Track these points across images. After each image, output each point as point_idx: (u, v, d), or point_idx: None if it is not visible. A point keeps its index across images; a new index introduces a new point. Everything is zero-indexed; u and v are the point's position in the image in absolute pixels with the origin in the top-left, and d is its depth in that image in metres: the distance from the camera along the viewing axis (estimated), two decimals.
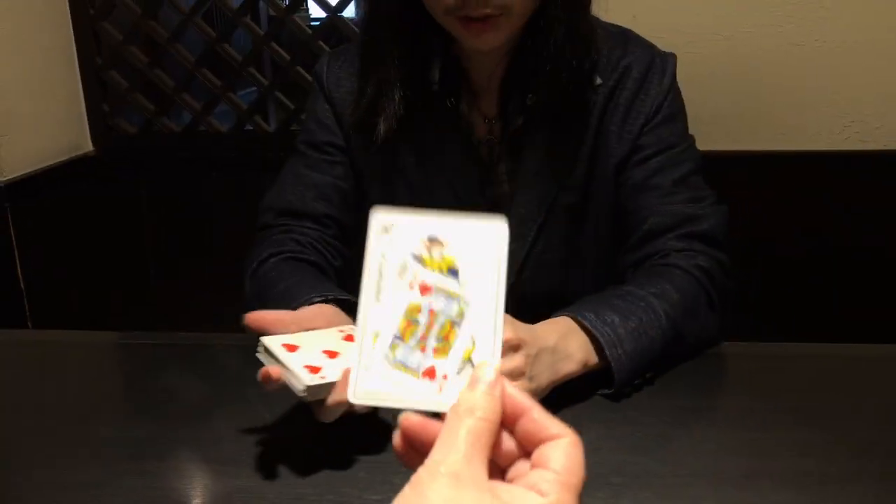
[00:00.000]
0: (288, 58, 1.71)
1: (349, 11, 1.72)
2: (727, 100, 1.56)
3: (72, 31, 1.74)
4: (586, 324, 0.80)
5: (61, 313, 1.70)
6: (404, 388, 0.41)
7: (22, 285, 1.56)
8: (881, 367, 0.92)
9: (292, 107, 1.74)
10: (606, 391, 0.80)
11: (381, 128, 0.97)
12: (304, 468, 0.70)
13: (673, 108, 1.01)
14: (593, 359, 0.79)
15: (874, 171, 1.55)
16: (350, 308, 0.82)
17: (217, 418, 0.79)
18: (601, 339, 0.78)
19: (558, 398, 0.85)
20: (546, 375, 0.74)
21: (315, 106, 1.08)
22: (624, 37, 1.02)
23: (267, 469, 0.70)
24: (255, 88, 1.76)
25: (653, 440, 0.73)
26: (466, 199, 1.02)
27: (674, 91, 1.01)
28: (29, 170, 1.61)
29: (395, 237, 0.44)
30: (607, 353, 0.78)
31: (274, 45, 1.72)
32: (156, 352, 0.98)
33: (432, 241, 0.44)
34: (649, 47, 1.02)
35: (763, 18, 1.51)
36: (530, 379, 0.72)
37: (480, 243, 0.42)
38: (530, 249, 1.03)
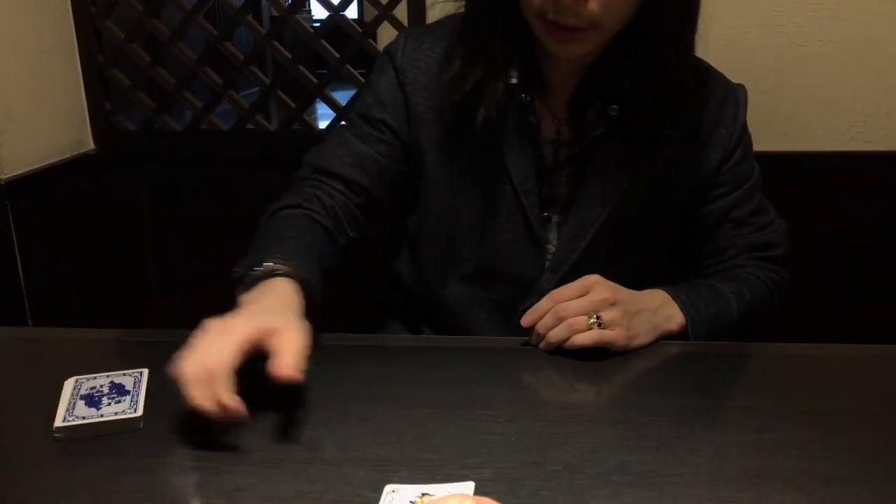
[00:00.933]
0: (290, 57, 1.71)
1: (351, 11, 1.72)
2: None
3: (73, 29, 1.73)
4: (676, 301, 0.97)
5: (61, 311, 1.69)
6: None
7: (22, 283, 1.56)
8: (886, 367, 0.92)
9: (294, 106, 1.74)
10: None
11: (481, 114, 0.99)
12: (304, 466, 0.70)
13: (748, 142, 1.07)
14: (683, 326, 0.96)
15: (879, 172, 1.55)
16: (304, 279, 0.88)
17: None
18: (688, 317, 0.96)
19: (562, 400, 0.85)
20: (645, 328, 0.92)
21: (379, 82, 1.08)
22: (702, 66, 1.05)
23: (266, 466, 0.69)
24: (256, 89, 1.76)
25: (654, 440, 0.73)
26: (525, 196, 1.03)
27: (746, 123, 1.07)
28: (30, 168, 1.60)
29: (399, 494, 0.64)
30: (690, 329, 0.96)
31: (276, 44, 1.72)
32: (156, 349, 0.97)
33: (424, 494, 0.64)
34: (723, 79, 1.07)
35: (765, 19, 1.51)
36: (628, 329, 0.90)
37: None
38: (584, 252, 1.04)
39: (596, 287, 0.90)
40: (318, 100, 1.75)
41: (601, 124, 0.99)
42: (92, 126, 1.80)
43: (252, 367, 0.91)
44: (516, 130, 1.02)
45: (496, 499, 0.63)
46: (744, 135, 1.06)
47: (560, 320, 0.88)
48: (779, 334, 1.04)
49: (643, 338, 0.92)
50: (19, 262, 1.55)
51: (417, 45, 1.06)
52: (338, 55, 1.68)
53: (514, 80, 0.99)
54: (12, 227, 1.53)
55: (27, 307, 1.57)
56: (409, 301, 1.19)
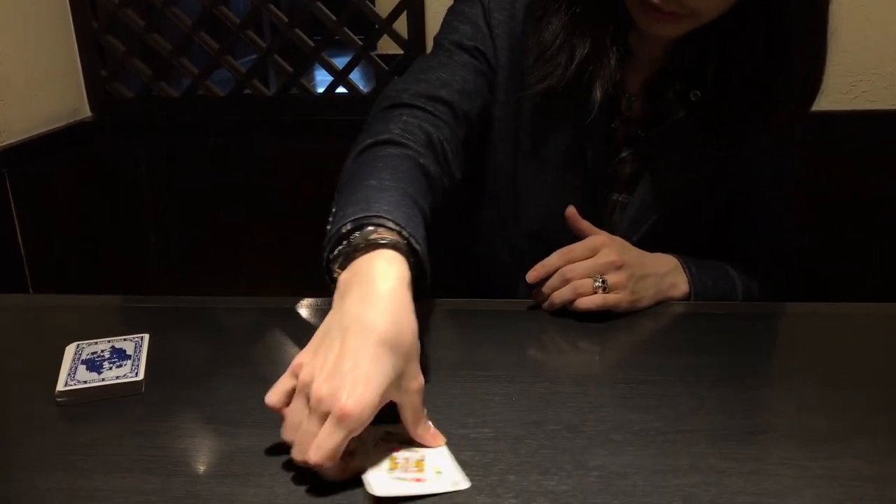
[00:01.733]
0: (286, 20, 1.68)
1: None
2: None
3: None
4: (686, 269, 0.97)
5: (61, 279, 1.70)
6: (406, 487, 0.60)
7: (22, 251, 1.56)
8: (885, 324, 0.92)
9: (291, 70, 1.72)
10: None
11: (597, 95, 0.93)
12: None
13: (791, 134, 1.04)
14: (686, 296, 0.96)
15: (883, 131, 1.53)
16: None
17: (218, 380, 0.79)
18: (693, 289, 0.96)
19: (563, 360, 0.85)
20: (651, 293, 0.92)
21: (471, 14, 1.00)
22: None
23: (267, 429, 0.69)
24: (254, 57, 1.74)
25: (655, 398, 0.73)
26: (594, 169, 1.00)
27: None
28: (26, 135, 1.59)
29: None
30: (692, 300, 0.96)
31: (273, 7, 1.69)
32: (156, 315, 0.97)
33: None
34: None
35: None
36: (632, 292, 0.89)
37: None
38: (644, 235, 1.02)
39: (604, 249, 0.89)
40: (315, 64, 1.73)
41: (681, 108, 0.97)
42: (88, 93, 1.78)
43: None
44: (589, 104, 0.95)
45: (496, 458, 0.64)
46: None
47: (566, 282, 0.88)
48: (786, 294, 1.04)
49: (646, 301, 0.92)
50: (18, 230, 1.55)
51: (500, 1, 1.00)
52: (335, 18, 1.66)
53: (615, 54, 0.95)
54: (10, 194, 1.53)
55: (27, 274, 1.58)
56: (450, 259, 1.11)
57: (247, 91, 1.75)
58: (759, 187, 1.05)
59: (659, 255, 0.96)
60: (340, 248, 0.67)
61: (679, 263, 0.97)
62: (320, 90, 1.76)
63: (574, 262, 0.88)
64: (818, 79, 0.94)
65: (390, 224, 0.68)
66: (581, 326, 0.88)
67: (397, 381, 0.60)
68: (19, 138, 1.57)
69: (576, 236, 0.94)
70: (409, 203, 0.73)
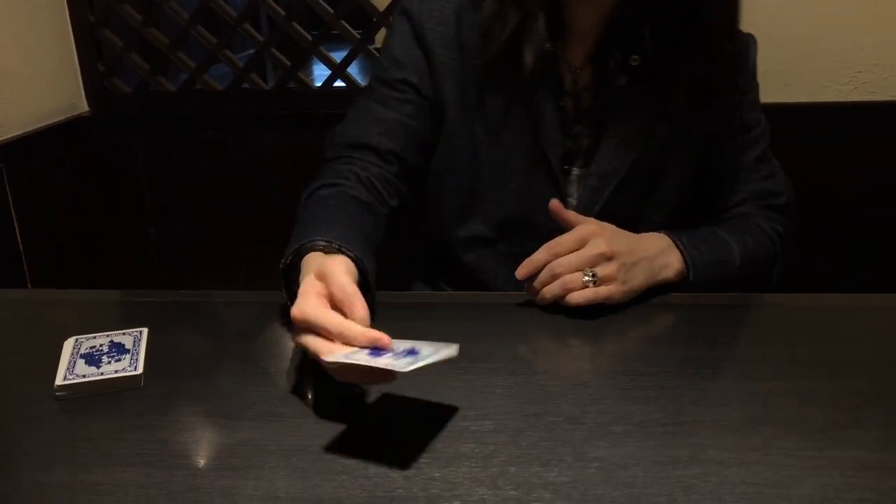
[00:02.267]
0: (284, 14, 1.68)
1: None
2: None
3: None
4: (679, 243, 0.95)
5: (60, 274, 1.69)
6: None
7: (20, 246, 1.56)
8: (885, 316, 0.92)
9: (289, 64, 1.71)
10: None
11: (528, 59, 0.97)
12: (306, 419, 0.70)
13: (756, 90, 1.07)
14: (684, 273, 0.94)
15: (882, 123, 1.53)
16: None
17: (219, 373, 0.79)
18: (688, 260, 0.94)
19: (563, 352, 0.85)
20: (642, 278, 0.90)
21: (395, 40, 1.06)
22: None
23: (268, 422, 0.69)
24: (252, 51, 1.74)
25: (655, 390, 0.73)
26: (548, 148, 1.02)
27: (755, 70, 1.07)
28: (23, 130, 1.59)
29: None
30: (690, 273, 0.94)
31: (270, 1, 1.69)
32: (155, 310, 0.97)
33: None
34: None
35: None
36: (623, 282, 0.88)
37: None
38: (606, 204, 1.03)
39: (593, 240, 0.88)
40: (313, 58, 1.73)
41: (623, 75, 0.98)
42: (85, 88, 1.78)
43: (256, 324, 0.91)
44: (540, 80, 1.00)
45: (496, 450, 0.64)
46: (753, 81, 1.07)
47: (555, 277, 0.87)
48: (781, 284, 1.04)
49: (640, 287, 0.91)
50: (16, 225, 1.55)
51: None
52: (332, 11, 1.66)
53: (542, 30, 0.97)
54: (8, 189, 1.52)
55: (25, 269, 1.57)
56: (429, 260, 1.18)
57: (245, 85, 1.75)
58: (725, 141, 1.05)
59: (649, 235, 0.95)
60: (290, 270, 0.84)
61: (670, 240, 0.95)
62: (318, 84, 1.76)
63: (561, 255, 0.87)
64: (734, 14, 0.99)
65: (319, 242, 0.82)
66: (580, 319, 0.88)
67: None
68: (17, 133, 1.57)
69: (555, 224, 0.97)
70: (337, 223, 0.87)
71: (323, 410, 0.71)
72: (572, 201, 1.05)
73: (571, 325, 0.87)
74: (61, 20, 1.71)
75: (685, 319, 0.89)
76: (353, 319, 0.68)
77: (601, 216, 1.01)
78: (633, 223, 1.03)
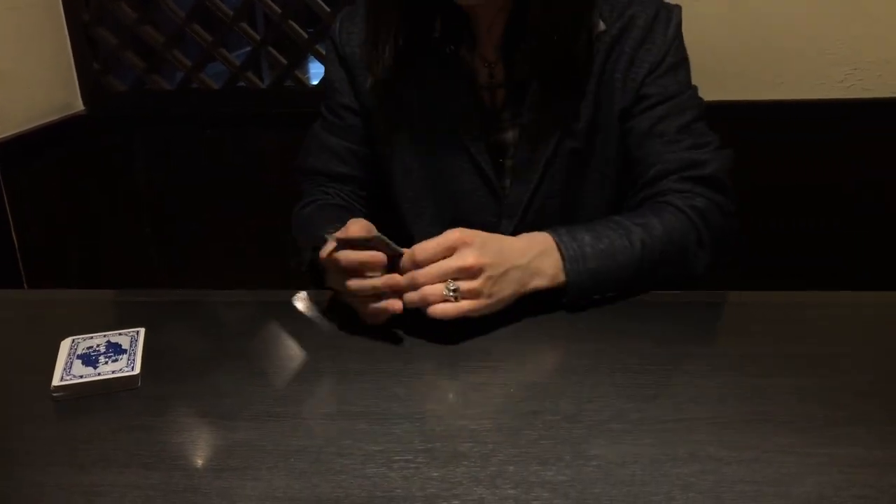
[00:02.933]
0: (280, 12, 1.67)
1: None
2: (725, 49, 1.53)
3: None
4: (557, 240, 0.88)
5: (56, 273, 1.69)
6: None
7: (16, 246, 1.55)
8: (882, 313, 0.92)
9: (285, 62, 1.71)
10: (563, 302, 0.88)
11: (369, 80, 1.04)
12: (304, 420, 0.70)
13: (677, 58, 1.03)
14: (562, 276, 0.87)
15: (876, 120, 1.53)
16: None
17: (216, 374, 0.79)
18: (565, 254, 0.87)
19: (559, 351, 0.85)
20: (511, 289, 0.84)
21: (330, 67, 1.13)
22: None
23: (266, 423, 0.69)
24: (248, 49, 1.73)
25: (653, 388, 0.73)
26: (471, 144, 1.04)
27: (678, 40, 1.03)
28: (19, 129, 1.58)
29: None
30: (567, 266, 0.86)
31: None
32: (152, 309, 0.97)
33: None
34: None
35: None
36: (489, 296, 0.82)
37: None
38: (533, 194, 1.05)
39: (461, 250, 0.81)
40: (309, 56, 1.72)
41: (527, 63, 0.99)
42: (81, 87, 1.77)
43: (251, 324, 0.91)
44: (452, 82, 1.03)
45: (495, 449, 0.64)
46: (673, 50, 1.01)
47: (416, 286, 0.81)
48: (773, 282, 1.03)
49: (509, 298, 0.85)
50: (12, 225, 1.54)
51: (351, 18, 1.10)
52: (329, 9, 1.65)
53: (437, 34, 1.01)
54: (3, 189, 1.52)
55: (22, 269, 1.57)
56: None
57: (241, 84, 1.74)
58: (644, 110, 1.01)
59: (527, 237, 0.88)
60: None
61: (552, 239, 0.88)
62: (315, 82, 1.75)
63: (426, 263, 0.81)
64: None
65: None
66: (577, 317, 0.88)
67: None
68: (12, 132, 1.56)
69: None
70: (334, 219, 0.93)
71: (321, 411, 0.71)
72: (506, 192, 1.06)
73: (566, 324, 0.87)
74: (56, 18, 1.71)
75: (682, 317, 0.89)
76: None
77: (535, 205, 1.05)
78: (566, 214, 1.05)
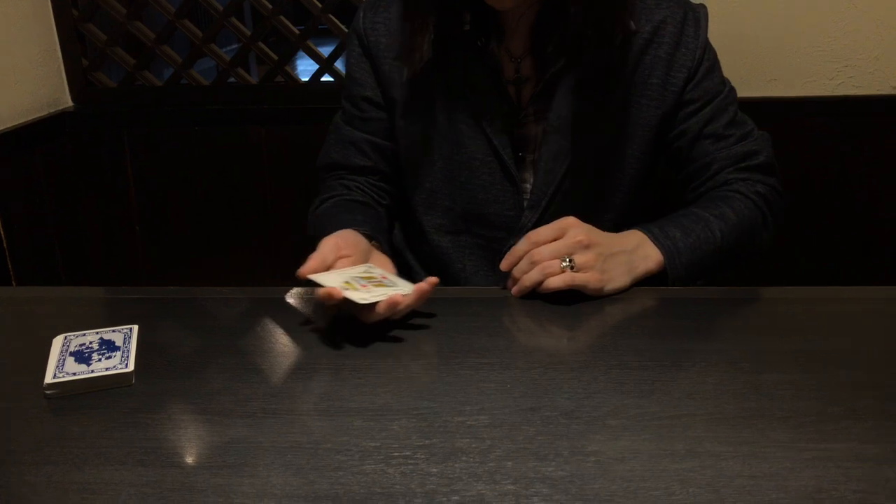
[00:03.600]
0: (270, 7, 1.66)
1: None
2: (718, 46, 1.53)
3: None
4: (651, 237, 0.95)
5: (46, 271, 1.67)
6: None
7: (5, 243, 1.54)
8: (875, 308, 0.92)
9: (276, 58, 1.70)
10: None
11: (407, 73, 1.05)
12: (300, 416, 0.69)
13: (711, 59, 1.07)
14: (661, 263, 0.94)
15: (869, 117, 1.54)
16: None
17: (209, 370, 0.78)
18: (663, 251, 0.94)
19: (556, 346, 0.85)
20: (621, 270, 0.92)
21: (350, 59, 1.13)
22: None
23: (261, 419, 0.69)
24: (237, 46, 1.72)
25: (650, 383, 0.73)
26: (494, 137, 1.05)
27: (708, 42, 1.07)
28: (7, 126, 1.57)
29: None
30: (666, 262, 0.94)
31: None
32: (144, 306, 0.96)
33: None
34: (681, 0, 1.06)
35: None
36: (601, 272, 0.89)
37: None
38: (556, 189, 1.06)
39: (571, 229, 0.90)
40: (300, 52, 1.71)
41: (561, 58, 1.00)
42: (69, 83, 1.75)
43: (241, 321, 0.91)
44: (479, 75, 1.04)
45: (493, 445, 0.64)
46: (706, 51, 1.06)
47: (534, 264, 0.89)
48: (769, 277, 1.04)
49: (619, 280, 0.92)
50: (0, 222, 1.52)
51: (375, 9, 1.10)
52: (320, 5, 1.64)
53: (468, 27, 1.01)
54: None
55: (10, 267, 1.55)
56: (405, 258, 1.22)
57: (231, 80, 1.73)
58: (692, 114, 1.06)
59: (625, 233, 0.96)
60: None
61: (643, 234, 0.96)
62: (305, 79, 1.74)
63: (541, 244, 0.89)
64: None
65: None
66: (574, 313, 0.88)
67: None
68: (0, 128, 1.55)
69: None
70: (342, 220, 1.01)
71: (317, 407, 0.71)
72: (527, 186, 1.07)
73: (564, 320, 0.88)
74: (44, 14, 1.69)
75: (679, 313, 0.90)
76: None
77: (556, 200, 1.06)
78: (592, 206, 1.07)
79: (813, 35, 1.51)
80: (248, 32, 1.70)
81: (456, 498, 0.58)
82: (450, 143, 1.07)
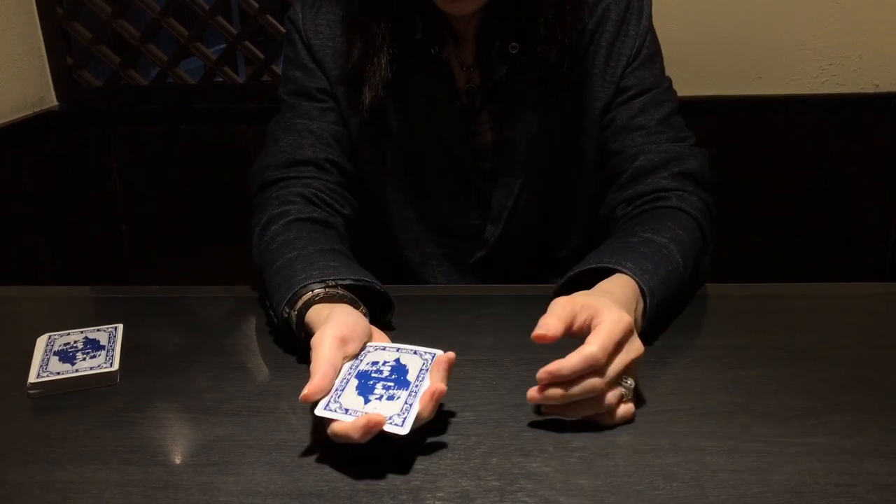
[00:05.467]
0: (257, 6, 1.66)
1: None
2: (703, 44, 1.54)
3: None
4: (629, 274, 0.77)
5: (30, 272, 1.66)
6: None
7: None
8: (857, 304, 0.93)
9: (262, 57, 1.70)
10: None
11: (367, 96, 0.95)
12: (285, 415, 0.69)
13: (652, 49, 1.02)
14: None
15: (853, 115, 1.55)
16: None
17: (195, 369, 0.78)
18: (645, 287, 0.76)
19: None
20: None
21: (294, 54, 1.03)
22: None
23: (246, 417, 0.69)
24: (223, 46, 1.71)
25: None
26: (450, 145, 1.01)
27: (651, 32, 1.02)
28: None
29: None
30: (648, 303, 0.76)
31: None
32: (129, 306, 0.96)
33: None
34: None
35: None
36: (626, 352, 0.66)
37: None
38: (517, 198, 1.03)
39: (629, 343, 0.67)
40: None
41: (504, 65, 0.97)
42: (54, 82, 1.75)
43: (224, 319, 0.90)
44: (431, 85, 0.99)
45: (478, 442, 0.64)
46: (648, 41, 1.00)
47: (590, 392, 0.64)
48: (755, 275, 1.04)
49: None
50: None
51: (316, 10, 1.02)
52: None
53: (419, 35, 0.96)
54: None
55: None
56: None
57: (218, 79, 1.73)
58: (623, 103, 1.00)
59: (620, 286, 0.77)
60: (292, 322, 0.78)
61: (625, 276, 0.78)
62: None
63: (599, 363, 0.63)
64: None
65: (313, 285, 0.77)
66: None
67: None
68: None
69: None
70: (316, 256, 0.83)
71: (301, 404, 0.70)
72: (490, 196, 1.03)
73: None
74: (29, 12, 1.68)
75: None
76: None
77: (519, 208, 1.02)
78: (551, 215, 1.05)
79: (797, 34, 1.52)
80: (235, 31, 1.69)
81: (441, 494, 0.58)
82: (408, 155, 1.03)
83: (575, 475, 0.60)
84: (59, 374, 0.74)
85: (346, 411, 0.61)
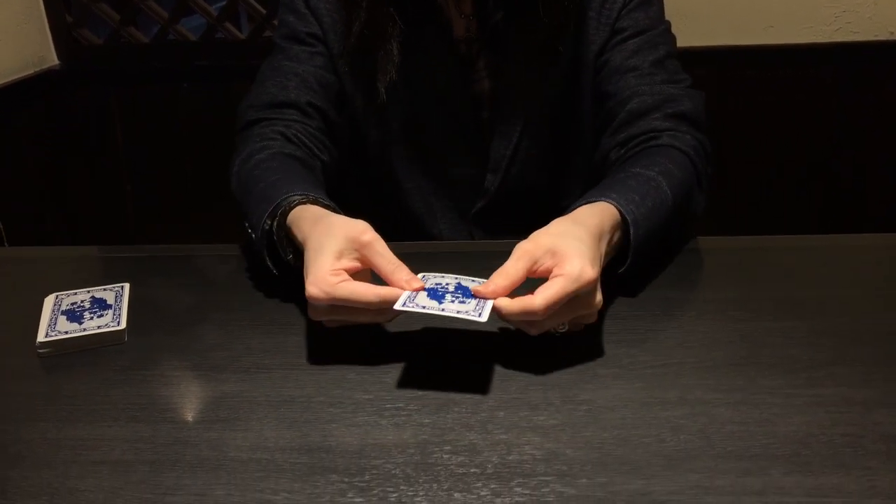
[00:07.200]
0: None
1: None
2: None
3: None
4: (621, 210, 0.76)
5: (36, 232, 1.67)
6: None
7: None
8: (864, 255, 0.92)
9: (264, 12, 1.67)
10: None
11: (382, 82, 0.96)
12: (292, 371, 0.69)
13: None
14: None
15: (866, 63, 1.52)
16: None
17: (202, 327, 0.78)
18: (629, 217, 0.76)
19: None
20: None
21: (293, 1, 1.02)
22: None
23: (254, 374, 0.69)
24: (225, 1, 1.69)
25: (640, 333, 0.73)
26: (447, 94, 1.01)
27: None
28: None
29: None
30: (632, 232, 0.76)
31: None
32: (135, 265, 0.96)
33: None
34: None
35: None
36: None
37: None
38: (516, 147, 1.02)
39: (587, 297, 0.67)
40: None
41: (500, 11, 0.96)
42: (54, 41, 1.73)
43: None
44: (430, 33, 0.99)
45: (485, 396, 0.64)
46: None
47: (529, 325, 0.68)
48: (757, 226, 1.03)
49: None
50: None
51: None
52: None
53: None
54: None
55: (1, 227, 1.54)
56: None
57: (219, 35, 1.70)
58: (617, 44, 0.98)
59: (585, 213, 0.75)
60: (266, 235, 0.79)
61: (607, 204, 0.77)
62: None
63: (543, 312, 0.64)
64: None
65: (294, 197, 0.79)
66: None
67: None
68: None
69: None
70: (298, 178, 0.85)
71: (311, 364, 0.71)
72: (488, 146, 1.03)
73: None
74: None
75: (667, 262, 0.89)
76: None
77: (518, 158, 1.02)
78: (551, 162, 1.04)
79: None
80: None
81: (448, 448, 0.58)
82: (406, 106, 1.02)
83: (582, 428, 0.60)
84: (67, 333, 0.74)
85: (423, 307, 0.65)
